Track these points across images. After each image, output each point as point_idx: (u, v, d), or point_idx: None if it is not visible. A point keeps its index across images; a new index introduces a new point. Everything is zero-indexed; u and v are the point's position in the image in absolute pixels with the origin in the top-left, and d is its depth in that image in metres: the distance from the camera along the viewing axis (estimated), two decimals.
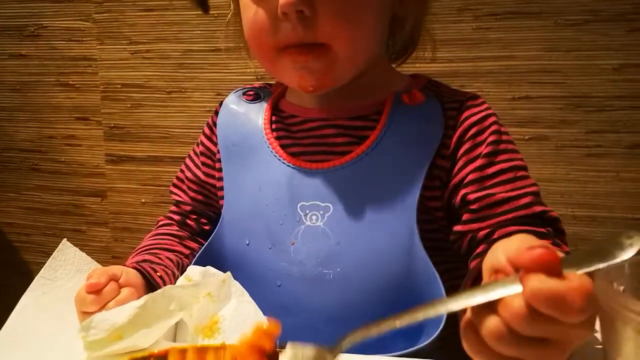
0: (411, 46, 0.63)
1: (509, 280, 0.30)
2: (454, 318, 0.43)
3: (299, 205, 0.55)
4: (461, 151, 0.54)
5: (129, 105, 1.22)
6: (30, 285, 0.54)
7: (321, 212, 0.54)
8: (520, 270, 0.29)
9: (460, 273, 0.59)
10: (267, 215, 0.56)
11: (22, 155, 1.30)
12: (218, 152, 0.62)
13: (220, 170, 0.62)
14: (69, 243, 0.58)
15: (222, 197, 0.61)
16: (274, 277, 0.55)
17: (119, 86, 1.21)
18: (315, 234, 0.54)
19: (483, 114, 0.56)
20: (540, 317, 0.28)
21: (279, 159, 0.57)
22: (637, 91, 0.99)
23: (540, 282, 0.28)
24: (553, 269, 0.28)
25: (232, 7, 0.62)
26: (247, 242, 0.57)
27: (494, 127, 0.55)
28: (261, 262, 0.56)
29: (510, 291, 0.29)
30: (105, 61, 1.21)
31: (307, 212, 0.55)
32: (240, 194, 0.59)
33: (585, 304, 0.28)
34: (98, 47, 1.21)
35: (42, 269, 0.55)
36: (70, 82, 1.24)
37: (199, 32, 1.15)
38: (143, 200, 1.25)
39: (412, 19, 0.59)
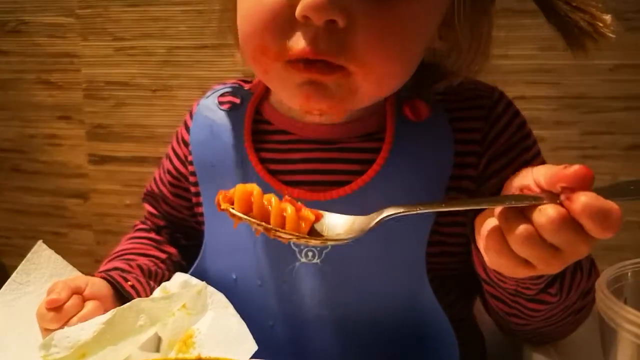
0: (440, 79, 0.51)
1: (536, 195, 0.34)
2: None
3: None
4: (497, 165, 0.49)
5: (112, 104, 1.19)
6: (1, 290, 0.52)
7: (318, 248, 0.48)
8: (545, 191, 0.34)
9: (469, 304, 0.56)
10: (255, 249, 0.50)
11: (2, 155, 1.27)
12: (191, 174, 0.55)
13: (197, 194, 0.55)
14: (44, 245, 0.56)
15: (201, 222, 0.55)
16: (265, 316, 0.50)
17: (102, 84, 1.19)
18: (311, 272, 0.48)
19: (516, 122, 0.51)
20: (569, 228, 0.32)
21: (267, 186, 0.49)
22: (633, 92, 0.97)
23: (591, 198, 0.32)
24: (589, 185, 0.33)
25: None
26: (234, 277, 0.51)
27: (531, 138, 0.52)
28: (250, 300, 0.50)
29: (542, 203, 0.33)
30: (88, 58, 1.18)
31: (302, 247, 0.48)
32: (222, 222, 0.49)
33: (619, 218, 0.32)
34: (81, 43, 1.18)
35: (15, 272, 0.53)
36: (52, 80, 1.21)
37: (184, 28, 1.12)
38: (127, 202, 1.22)
39: (452, 56, 0.48)
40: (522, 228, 0.33)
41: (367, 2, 0.40)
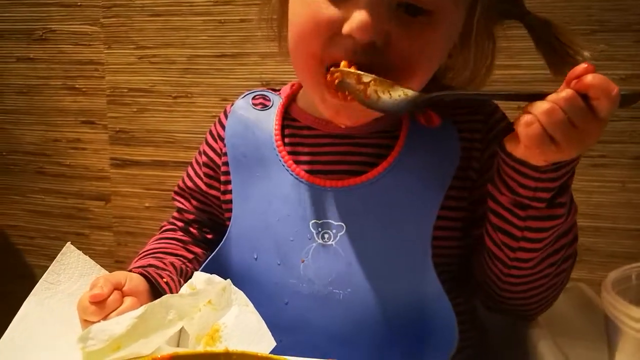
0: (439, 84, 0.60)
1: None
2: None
3: (311, 223, 0.54)
4: (494, 161, 0.53)
5: (134, 110, 1.22)
6: (33, 290, 0.54)
7: (334, 230, 0.53)
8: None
9: (466, 294, 0.58)
10: (277, 230, 0.55)
11: (27, 158, 1.31)
12: (223, 164, 0.60)
13: (226, 182, 0.60)
14: (72, 246, 0.58)
15: (227, 210, 0.60)
16: (282, 293, 0.54)
17: (125, 90, 1.22)
18: (326, 252, 0.53)
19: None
20: (581, 103, 0.41)
21: (292, 174, 0.56)
22: None
23: (597, 74, 0.40)
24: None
25: None
26: (255, 257, 0.56)
27: None
28: (269, 278, 0.55)
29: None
30: (112, 65, 1.22)
31: (320, 230, 0.54)
32: (249, 207, 0.57)
33: (618, 94, 0.40)
34: (105, 51, 1.21)
35: (46, 273, 0.55)
36: (77, 86, 1.25)
37: (205, 37, 1.15)
38: (147, 205, 1.25)
39: (454, 72, 0.56)
40: (547, 104, 0.41)
41: (402, 28, 0.47)
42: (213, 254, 0.58)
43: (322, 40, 0.48)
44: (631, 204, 1.02)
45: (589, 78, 0.40)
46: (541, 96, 0.42)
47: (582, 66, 0.41)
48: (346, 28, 0.46)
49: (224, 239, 0.58)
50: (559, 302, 0.57)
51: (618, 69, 0.98)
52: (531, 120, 0.42)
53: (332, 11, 0.48)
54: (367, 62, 0.48)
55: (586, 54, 0.50)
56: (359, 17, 0.46)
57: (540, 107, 0.41)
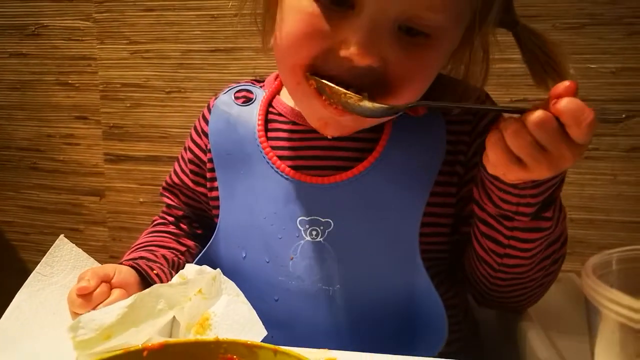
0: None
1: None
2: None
3: (298, 220, 0.53)
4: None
5: (128, 105, 1.22)
6: (26, 282, 0.54)
7: (321, 227, 0.53)
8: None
9: (457, 288, 0.59)
10: (265, 228, 0.54)
11: (20, 154, 1.31)
12: (209, 160, 0.60)
13: (212, 179, 0.59)
14: (65, 239, 0.57)
15: (215, 207, 0.60)
16: (272, 291, 0.54)
17: (118, 86, 1.22)
18: (315, 249, 0.53)
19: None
20: (553, 127, 0.38)
21: (277, 171, 0.55)
22: (634, 95, 0.99)
23: (573, 99, 0.38)
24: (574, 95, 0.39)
25: None
26: (244, 255, 0.56)
27: None
28: (258, 276, 0.54)
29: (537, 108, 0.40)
30: (104, 61, 1.21)
31: (307, 227, 0.53)
32: (236, 205, 0.56)
33: (593, 123, 0.38)
34: (98, 46, 1.21)
35: (39, 265, 0.55)
36: (70, 82, 1.24)
37: (198, 32, 1.15)
38: (141, 200, 1.25)
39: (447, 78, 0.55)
40: (515, 124, 0.40)
41: (400, 51, 0.46)
42: (202, 252, 0.58)
43: (312, 54, 0.47)
44: (623, 196, 1.03)
45: (563, 103, 0.38)
46: (521, 112, 0.40)
47: (564, 84, 0.38)
48: (344, 52, 0.45)
49: (212, 237, 0.58)
50: (550, 294, 0.57)
51: (609, 63, 0.99)
52: (497, 139, 0.41)
53: (325, 27, 0.45)
54: (363, 82, 0.46)
55: (570, 70, 0.48)
56: (359, 42, 0.44)
57: (509, 126, 0.40)
